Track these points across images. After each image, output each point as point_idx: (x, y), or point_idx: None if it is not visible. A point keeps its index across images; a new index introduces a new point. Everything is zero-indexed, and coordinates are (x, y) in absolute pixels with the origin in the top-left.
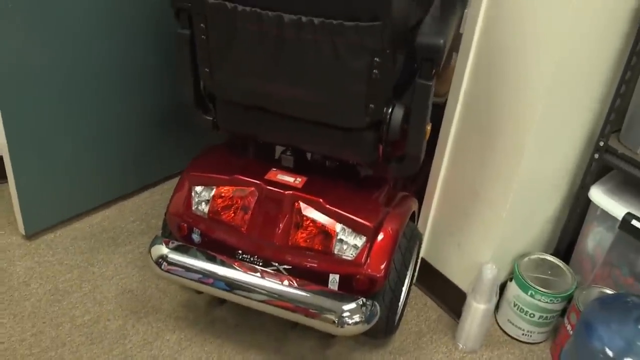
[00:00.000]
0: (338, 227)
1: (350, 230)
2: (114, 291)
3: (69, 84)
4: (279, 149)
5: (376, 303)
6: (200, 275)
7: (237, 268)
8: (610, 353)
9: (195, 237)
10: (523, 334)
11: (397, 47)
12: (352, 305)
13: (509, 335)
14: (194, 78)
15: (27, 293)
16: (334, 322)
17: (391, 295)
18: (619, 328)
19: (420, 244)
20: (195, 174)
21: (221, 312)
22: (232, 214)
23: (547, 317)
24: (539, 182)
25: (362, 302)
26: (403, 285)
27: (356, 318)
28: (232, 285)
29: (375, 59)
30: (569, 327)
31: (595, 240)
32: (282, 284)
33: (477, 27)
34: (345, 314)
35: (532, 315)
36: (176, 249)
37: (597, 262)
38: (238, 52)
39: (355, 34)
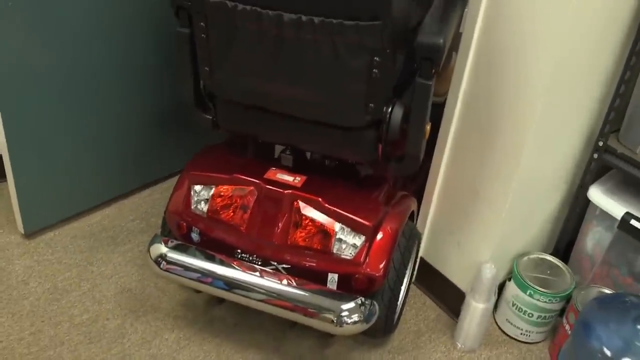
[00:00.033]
0: (337, 226)
1: (349, 229)
2: (112, 290)
3: (69, 84)
4: (278, 148)
5: (375, 302)
6: (199, 275)
7: (236, 267)
8: (608, 353)
9: (194, 236)
10: (522, 334)
11: (397, 47)
12: (351, 305)
13: (507, 335)
14: (193, 77)
15: (26, 292)
16: (332, 321)
17: (390, 294)
18: (617, 328)
19: (419, 243)
20: (195, 173)
21: (220, 311)
22: (231, 213)
23: (545, 316)
24: (539, 181)
25: (361, 301)
26: (402, 285)
27: (355, 317)
28: (231, 285)
29: (375, 58)
30: (567, 327)
31: (594, 239)
32: (281, 283)
33: (476, 26)
34: (344, 314)
35: (530, 314)
36: (175, 248)
37: (596, 262)
38: (238, 51)
39: (355, 33)
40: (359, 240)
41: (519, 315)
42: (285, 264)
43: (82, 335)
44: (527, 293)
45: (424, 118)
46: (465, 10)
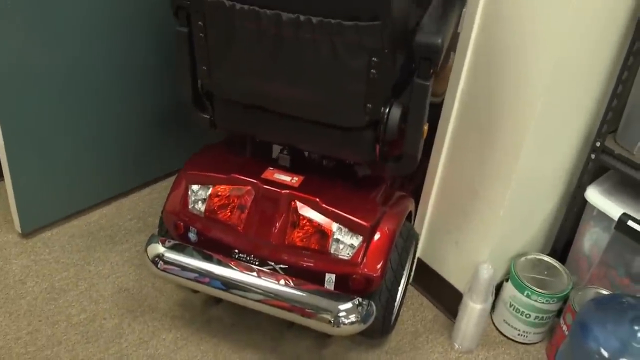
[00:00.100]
0: (334, 226)
1: (346, 229)
2: (110, 290)
3: (68, 83)
4: (276, 148)
5: (372, 303)
6: (196, 275)
7: (234, 267)
8: (605, 354)
9: (192, 235)
10: (519, 335)
11: (396, 47)
12: (348, 305)
13: (504, 336)
14: (192, 76)
15: (23, 291)
16: (330, 321)
17: (387, 295)
18: (614, 329)
19: (417, 243)
20: (192, 172)
21: (217, 311)
22: (229, 213)
23: (543, 317)
24: (537, 180)
25: (358, 301)
26: (399, 285)
27: (352, 318)
28: (228, 285)
29: (374, 58)
30: (564, 328)
31: (591, 240)
32: (278, 283)
33: (474, 25)
34: (341, 314)
35: (528, 315)
36: (172, 248)
37: (593, 263)
38: (236, 51)
39: (354, 33)
40: (356, 241)
41: (516, 316)
42: (283, 264)
43: (79, 335)
44: (525, 294)
45: (422, 118)
46: (464, 10)
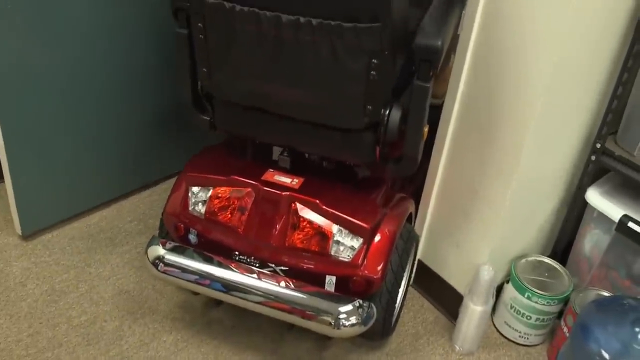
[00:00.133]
0: (335, 228)
1: (347, 231)
2: (110, 292)
3: (68, 84)
4: (276, 150)
5: (373, 305)
6: (196, 277)
7: (234, 269)
8: (606, 355)
9: (192, 237)
10: (520, 336)
11: (396, 49)
12: (349, 307)
13: (505, 338)
14: (192, 78)
15: (24, 293)
16: (330, 323)
17: (388, 297)
18: (615, 330)
19: (417, 245)
20: (192, 174)
21: (218, 313)
22: (229, 215)
23: (543, 319)
24: (538, 181)
25: (359, 303)
26: (400, 287)
27: (353, 320)
28: (228, 287)
29: (374, 60)
30: (565, 330)
31: (592, 242)
32: (278, 285)
33: (474, 25)
34: (341, 316)
35: (528, 317)
36: (173, 250)
37: (593, 264)
38: (236, 53)
39: (354, 35)
40: (356, 243)
41: (517, 318)
42: (283, 265)
43: (80, 337)
44: (525, 295)
45: (422, 120)
46: (464, 11)
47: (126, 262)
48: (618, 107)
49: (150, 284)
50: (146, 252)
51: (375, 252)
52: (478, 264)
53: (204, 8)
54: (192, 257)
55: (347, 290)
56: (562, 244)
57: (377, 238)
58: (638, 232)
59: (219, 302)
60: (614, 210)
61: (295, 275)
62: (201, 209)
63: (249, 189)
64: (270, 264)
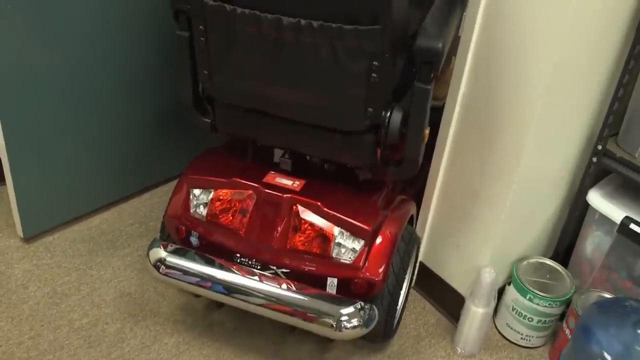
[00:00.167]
0: (336, 230)
1: (348, 233)
2: (112, 294)
3: (69, 85)
4: (278, 152)
5: (374, 307)
6: (198, 279)
7: (235, 271)
8: (608, 357)
9: (194, 240)
10: (522, 338)
11: (396, 51)
12: (350, 309)
13: (507, 340)
14: (193, 80)
15: (25, 296)
16: (332, 326)
17: (389, 299)
18: (617, 332)
19: (419, 247)
20: (194, 176)
21: (219, 315)
22: (231, 217)
23: (545, 321)
24: (539, 182)
25: (360, 306)
26: (401, 289)
27: (354, 322)
28: (230, 289)
29: (374, 62)
30: (567, 331)
31: (593, 243)
32: (280, 287)
33: (475, 26)
34: (343, 318)
35: (530, 319)
36: (174, 252)
37: (595, 266)
38: (237, 55)
39: (355, 37)
40: (358, 245)
41: (518, 320)
42: (285, 268)
43: (81, 340)
44: (527, 297)
45: (423, 122)
46: (464, 13)
47: (128, 265)
48: (619, 108)
49: (151, 286)
50: (147, 255)
51: (376, 254)
52: (479, 266)
53: (205, 10)
54: (193, 260)
55: (348, 292)
56: (564, 246)
57: (379, 240)
58: (639, 234)
59: (220, 305)
60: (615, 212)
61: (297, 277)
62: (202, 211)
63: (251, 192)
64: (272, 266)
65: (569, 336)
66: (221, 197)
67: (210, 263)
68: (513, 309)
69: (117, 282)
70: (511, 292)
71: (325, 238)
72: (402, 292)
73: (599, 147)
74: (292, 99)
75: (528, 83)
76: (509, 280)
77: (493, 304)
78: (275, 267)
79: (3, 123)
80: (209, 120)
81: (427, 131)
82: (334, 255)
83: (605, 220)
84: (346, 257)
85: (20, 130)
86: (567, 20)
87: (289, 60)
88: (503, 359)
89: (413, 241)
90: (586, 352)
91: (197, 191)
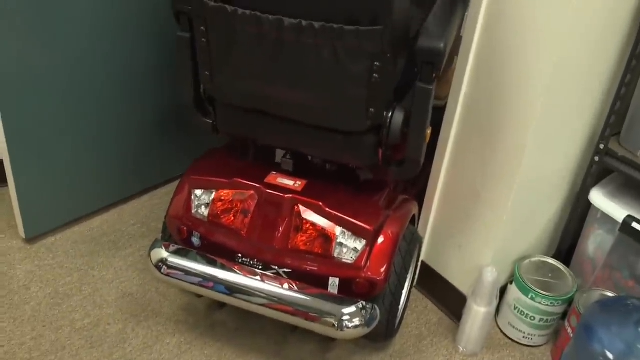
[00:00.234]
0: (338, 230)
1: (350, 233)
2: (114, 295)
3: (69, 85)
4: (279, 152)
5: (376, 306)
6: (200, 279)
7: (237, 271)
8: (610, 356)
9: (195, 240)
10: (524, 337)
11: (397, 51)
12: (352, 309)
13: (509, 338)
14: (194, 81)
15: (27, 297)
16: (333, 325)
17: (391, 298)
18: (619, 331)
19: (421, 247)
20: (195, 177)
21: (221, 315)
22: (232, 218)
23: (547, 320)
24: (540, 182)
25: (362, 305)
26: (403, 289)
27: (356, 321)
28: (232, 289)
29: (376, 63)
30: (569, 330)
31: (595, 242)
32: (282, 287)
33: (477, 27)
34: (345, 318)
35: (532, 318)
36: (176, 253)
37: (597, 265)
38: (238, 55)
39: (356, 38)
40: (359, 244)
41: (521, 319)
42: (286, 268)
43: (83, 340)
44: (529, 296)
45: (425, 122)
46: (466, 13)
47: (129, 265)
48: (621, 108)
49: (153, 286)
50: (149, 255)
51: (378, 254)
52: (481, 265)
53: (206, 11)
54: (195, 260)
55: (350, 292)
56: (566, 245)
57: (380, 240)
58: None
59: (222, 305)
60: (617, 211)
61: (299, 277)
62: (204, 211)
63: (252, 192)
64: (274, 266)
65: (571, 335)
66: (223, 198)
67: (212, 263)
68: (515, 308)
69: (119, 282)
70: (513, 291)
71: (327, 238)
72: (404, 292)
73: (601, 146)
74: (293, 99)
75: (529, 83)
76: (511, 279)
77: (495, 303)
78: (277, 267)
79: (4, 124)
80: (210, 121)
81: (428, 131)
82: (335, 255)
83: (607, 219)
84: (348, 257)
85: (21, 131)
86: (567, 20)
87: (290, 61)
88: (505, 358)
89: (415, 241)
90: (588, 351)
91: (198, 192)
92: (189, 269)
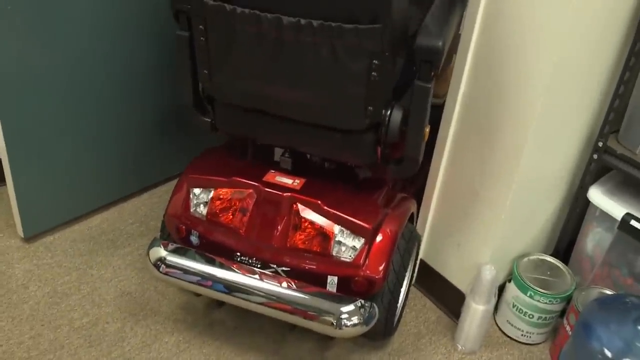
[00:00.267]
0: (336, 228)
1: (348, 231)
2: (112, 293)
3: (69, 85)
4: (278, 151)
5: (375, 305)
6: (198, 278)
7: (236, 270)
8: (609, 354)
9: (194, 239)
10: (522, 335)
11: (396, 50)
12: (351, 307)
13: (508, 336)
14: (193, 80)
15: (26, 296)
16: (332, 324)
17: (390, 296)
18: (617, 329)
19: (419, 245)
20: (194, 176)
21: (220, 314)
22: (231, 216)
23: (546, 318)
24: (539, 181)
25: (361, 303)
26: (402, 287)
27: (354, 320)
28: (230, 288)
29: (374, 61)
30: (568, 328)
31: (594, 240)
32: (280, 286)
33: (475, 26)
34: (343, 316)
35: (531, 316)
36: (174, 251)
37: (596, 263)
38: (237, 54)
39: (355, 36)
40: (358, 243)
41: (519, 317)
42: (285, 266)
43: (82, 339)
44: (528, 294)
45: (423, 121)
46: (465, 11)
47: (128, 264)
48: (620, 105)
49: (152, 285)
50: (148, 254)
51: (376, 252)
52: (480, 263)
53: (205, 10)
54: (193, 259)
55: (348, 290)
56: (564, 243)
57: (379, 238)
58: None
59: (221, 303)
60: (616, 208)
61: (297, 275)
62: (203, 210)
63: (251, 190)
64: (272, 265)
65: (570, 333)
66: (221, 196)
67: (210, 262)
68: (514, 306)
69: (117, 281)
70: (512, 289)
71: (325, 236)
72: (403, 290)
73: (600, 144)
74: (292, 98)
75: (528, 83)
76: (510, 277)
77: (493, 301)
78: (275, 266)
79: (3, 123)
80: (209, 120)
81: (427, 129)
82: (334, 253)
83: (606, 217)
84: (346, 255)
85: (21, 130)
86: (567, 20)
87: (289, 60)
88: (503, 356)
89: (413, 239)
90: (587, 349)
91: (197, 190)
92: (188, 268)
